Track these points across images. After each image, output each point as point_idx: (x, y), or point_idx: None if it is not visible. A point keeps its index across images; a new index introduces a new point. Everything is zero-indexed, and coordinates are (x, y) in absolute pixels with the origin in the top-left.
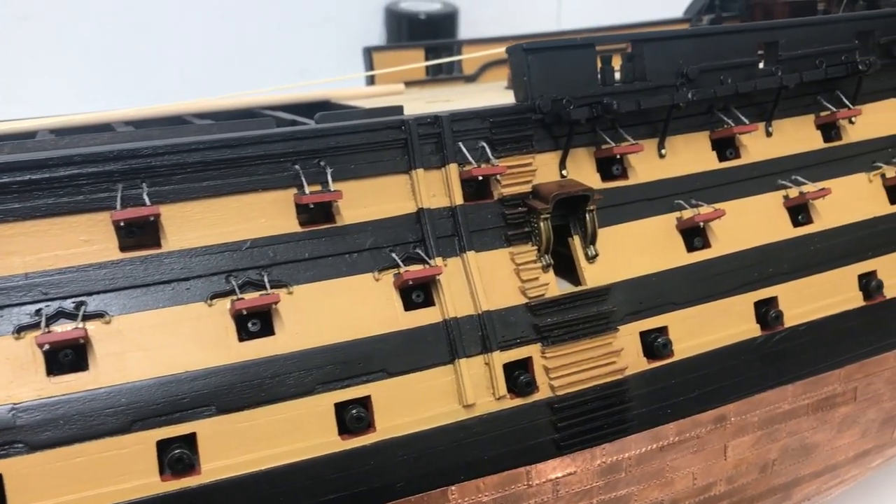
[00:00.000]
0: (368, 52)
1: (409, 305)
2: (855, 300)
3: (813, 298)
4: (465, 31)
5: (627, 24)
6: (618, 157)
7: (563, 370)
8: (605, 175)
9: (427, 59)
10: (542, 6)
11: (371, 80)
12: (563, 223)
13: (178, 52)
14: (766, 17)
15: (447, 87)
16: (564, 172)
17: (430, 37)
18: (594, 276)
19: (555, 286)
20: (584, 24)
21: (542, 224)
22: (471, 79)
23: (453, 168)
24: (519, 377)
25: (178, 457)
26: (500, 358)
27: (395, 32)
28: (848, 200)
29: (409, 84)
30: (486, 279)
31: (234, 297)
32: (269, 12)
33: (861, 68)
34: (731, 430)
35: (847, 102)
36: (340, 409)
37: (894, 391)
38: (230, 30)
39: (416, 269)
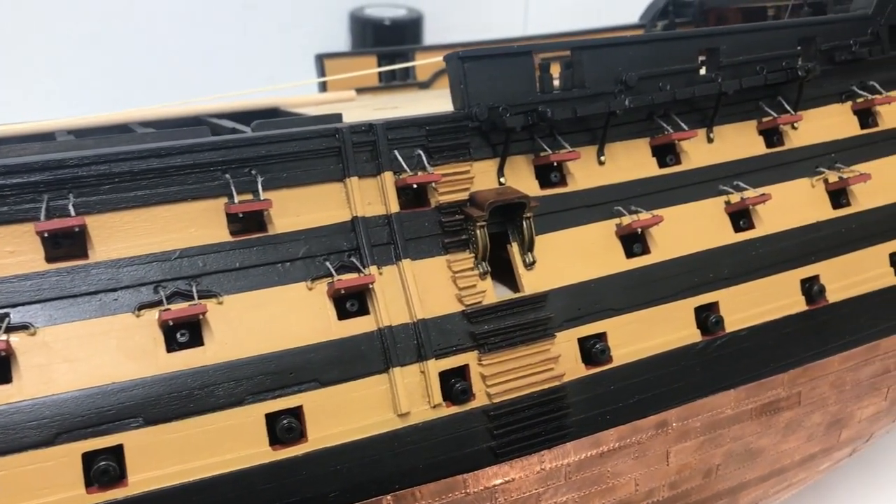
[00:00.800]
0: (320, 60)
1: (343, 314)
2: (797, 305)
3: (755, 303)
4: (430, 36)
5: (582, 30)
6: (555, 164)
7: (499, 377)
8: (544, 182)
9: (380, 65)
10: (508, 12)
11: (324, 87)
12: (502, 230)
13: (142, 59)
14: (719, 23)
15: (400, 94)
16: (502, 180)
17: (396, 42)
18: (532, 282)
19: (492, 293)
20: (550, 29)
21: (478, 231)
22: (424, 85)
23: (388, 176)
24: (455, 385)
25: (104, 469)
26: (436, 366)
27: (361, 38)
28: (790, 205)
29: (361, 91)
30: (423, 287)
31: (162, 308)
32: (235, 19)
33: (801, 74)
34: (673, 435)
35: (789, 108)
36: (272, 419)
37: (840, 395)
38: (197, 36)
39: (348, 278)
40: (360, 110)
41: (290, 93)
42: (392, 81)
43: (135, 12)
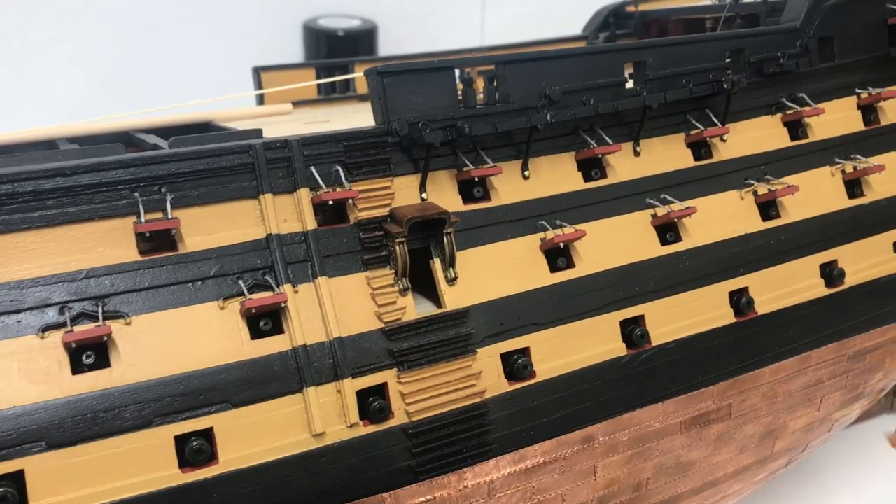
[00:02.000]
0: (257, 72)
1: (257, 334)
2: (726, 317)
3: (682, 316)
4: (384, 47)
5: (524, 42)
6: (476, 179)
7: (419, 395)
8: (467, 197)
9: (318, 78)
10: (464, 22)
11: (261, 100)
12: (425, 245)
13: (91, 71)
14: (661, 34)
15: (338, 107)
16: (424, 195)
17: (349, 53)
18: (454, 298)
19: (413, 310)
20: (507, 39)
21: (397, 248)
22: (364, 98)
23: (304, 193)
24: (372, 404)
25: (2, 495)
26: (353, 385)
27: (314, 49)
28: (719, 218)
29: (300, 104)
30: (341, 305)
31: (66, 330)
32: (187, 30)
33: (726, 87)
34: (601, 449)
35: (716, 121)
36: (181, 441)
37: (771, 406)
38: (147, 47)
39: (260, 297)
40: (292, 124)
41: (229, 105)
42: (332, 94)
43: (83, 23)
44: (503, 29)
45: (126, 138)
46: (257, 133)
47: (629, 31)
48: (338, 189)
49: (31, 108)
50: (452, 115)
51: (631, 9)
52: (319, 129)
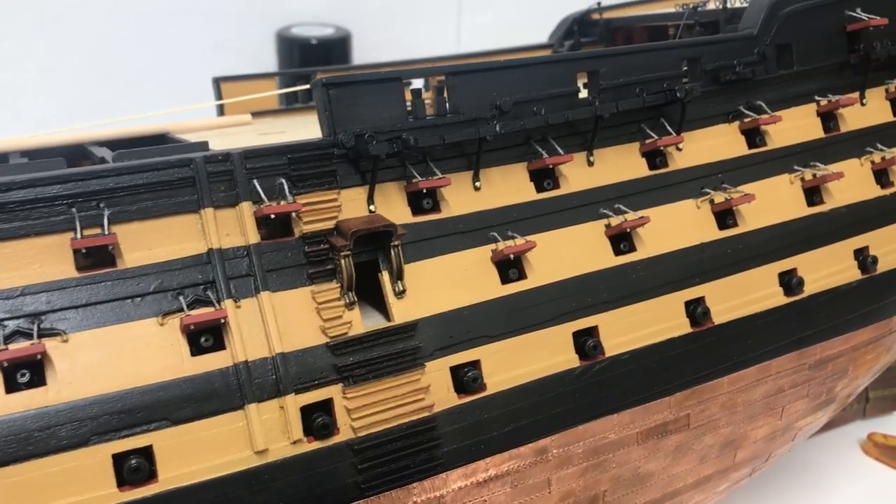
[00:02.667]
0: (217, 83)
1: (198, 350)
2: (682, 327)
3: (636, 327)
4: (359, 55)
5: (488, 51)
6: (424, 191)
7: (365, 410)
8: (416, 209)
9: (281, 88)
10: (440, 29)
11: (222, 111)
12: (373, 258)
13: (64, 80)
14: (626, 42)
15: (298, 117)
16: (372, 207)
17: (323, 62)
18: (403, 311)
19: (359, 324)
20: (484, 45)
21: (342, 261)
22: None
23: (246, 206)
24: (316, 420)
25: None
26: (296, 401)
27: (288, 58)
28: (674, 227)
29: (262, 114)
30: (284, 320)
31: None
32: (160, 40)
33: (679, 96)
34: (554, 462)
35: (670, 129)
36: (119, 460)
37: (731, 416)
38: (120, 57)
39: (199, 313)
40: (246, 135)
41: (191, 116)
42: (294, 104)
43: (55, 33)
44: (479, 35)
45: (81, 151)
46: (203, 146)
47: (594, 39)
48: (281, 202)
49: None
50: (400, 127)
51: (596, 16)
52: (274, 140)
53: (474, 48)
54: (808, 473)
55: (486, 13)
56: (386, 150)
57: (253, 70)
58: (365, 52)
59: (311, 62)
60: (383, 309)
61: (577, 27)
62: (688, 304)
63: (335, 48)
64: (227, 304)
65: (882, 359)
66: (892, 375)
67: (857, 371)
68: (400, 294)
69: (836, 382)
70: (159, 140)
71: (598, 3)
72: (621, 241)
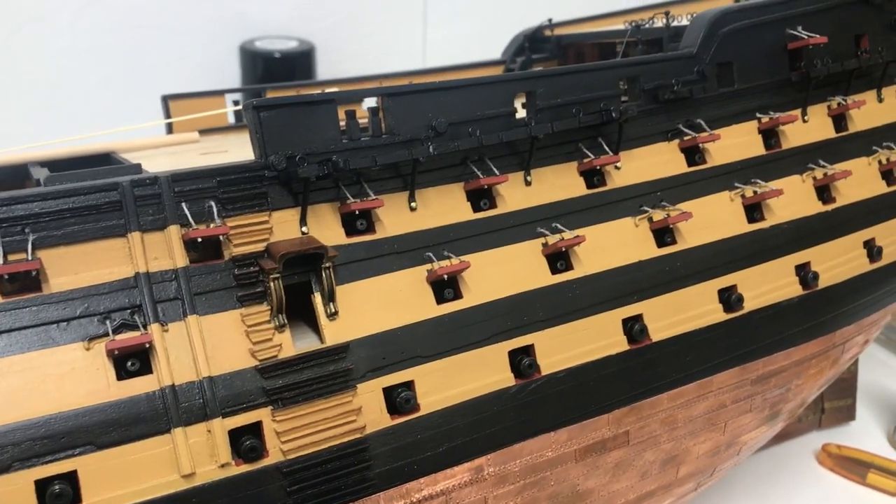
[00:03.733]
0: (165, 101)
1: (124, 374)
2: (619, 344)
3: (573, 345)
4: (323, 68)
5: (442, 67)
6: (357, 212)
7: (294, 433)
8: (351, 230)
9: (231, 105)
10: (406, 42)
11: (171, 129)
12: (306, 280)
13: (22, 95)
14: (578, 59)
15: (245, 135)
16: (305, 229)
17: (286, 76)
18: (335, 333)
19: (290, 347)
20: (450, 60)
21: (272, 284)
22: None
23: (174, 230)
24: (244, 443)
25: None
26: (224, 424)
27: (251, 72)
28: (612, 245)
29: (210, 132)
30: (213, 343)
31: None
32: (122, 53)
33: (615, 116)
34: (491, 481)
35: (607, 149)
36: (42, 486)
37: (672, 432)
38: (82, 70)
39: (124, 338)
40: (187, 155)
41: (142, 134)
42: (243, 122)
43: (16, 47)
44: (446, 49)
45: (24, 171)
46: (135, 169)
47: (546, 56)
48: (211, 225)
49: None
50: (334, 149)
51: (548, 33)
52: (216, 159)
53: (440, 62)
54: (763, 484)
55: (451, 27)
56: (316, 173)
57: (216, 84)
58: (330, 66)
59: (275, 75)
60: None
61: (528, 44)
62: (625, 321)
63: (299, 62)
64: (154, 328)
65: (827, 372)
66: (847, 386)
67: (801, 385)
68: (332, 316)
69: (781, 397)
70: (104, 160)
71: (549, 21)
72: (558, 259)
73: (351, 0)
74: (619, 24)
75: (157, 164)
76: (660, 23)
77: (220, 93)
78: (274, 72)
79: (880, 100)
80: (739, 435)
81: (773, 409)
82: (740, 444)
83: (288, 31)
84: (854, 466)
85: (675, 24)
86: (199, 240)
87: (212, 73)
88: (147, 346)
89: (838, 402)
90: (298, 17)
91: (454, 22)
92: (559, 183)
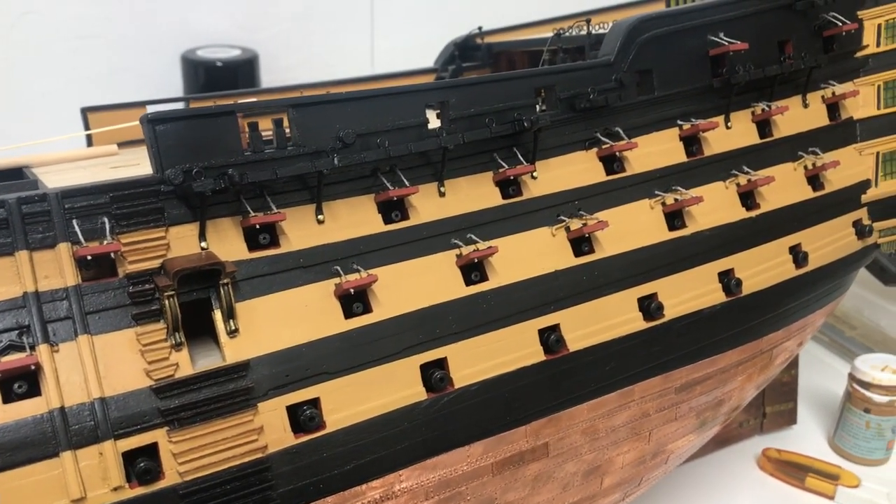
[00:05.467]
0: (84, 113)
1: (11, 397)
2: (535, 355)
3: (487, 357)
4: (269, 76)
5: (371, 76)
6: (257, 226)
7: (192, 454)
8: (253, 244)
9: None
10: (354, 50)
11: (91, 141)
12: (206, 297)
13: None
14: (510, 67)
15: None
16: (204, 244)
17: (229, 85)
18: (236, 351)
19: (187, 366)
20: (399, 67)
21: (167, 302)
22: None
23: (64, 248)
24: (138, 465)
25: None
26: (117, 446)
27: (193, 81)
28: (528, 255)
29: (130, 144)
30: (106, 363)
31: None
32: (62, 62)
33: (526, 125)
34: (403, 498)
35: (522, 159)
36: None
37: (594, 442)
38: (19, 79)
39: (8, 360)
40: (97, 168)
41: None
42: None
43: None
44: (394, 56)
45: None
46: (31, 185)
47: (478, 64)
48: (103, 242)
49: None
50: (234, 161)
51: (479, 41)
52: (126, 172)
53: (390, 69)
54: (704, 490)
55: (399, 34)
56: (212, 187)
57: (158, 94)
58: (274, 74)
59: (217, 84)
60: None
61: (459, 52)
62: (542, 331)
63: (241, 70)
64: (43, 348)
65: (756, 378)
66: (788, 390)
67: (730, 392)
68: (233, 333)
69: (708, 404)
70: (16, 174)
71: (480, 29)
72: (473, 271)
73: (296, 8)
74: (548, 32)
75: (67, 178)
76: (582, 31)
77: (142, 104)
78: (216, 80)
79: (805, 105)
80: (665, 444)
81: (700, 416)
82: (667, 452)
83: (232, 40)
84: (793, 470)
85: (596, 31)
86: (90, 257)
87: (154, 82)
88: (33, 367)
89: (779, 406)
90: (243, 26)
91: (402, 29)
92: (474, 193)
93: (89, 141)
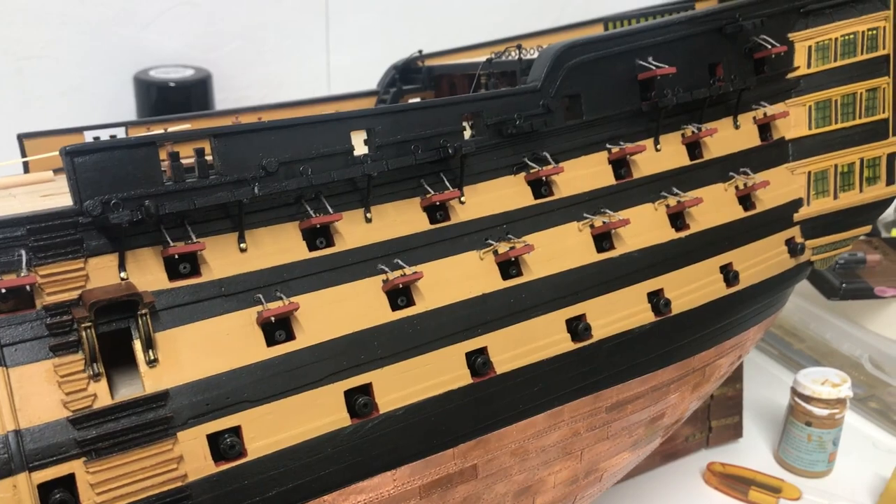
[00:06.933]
0: (20, 140)
1: None
2: (462, 378)
3: (412, 381)
4: (223, 95)
5: (315, 98)
6: (176, 256)
7: (110, 483)
8: (174, 274)
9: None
10: (309, 68)
11: (27, 168)
12: (126, 327)
13: None
14: (451, 90)
15: None
16: (123, 275)
17: (182, 105)
18: (155, 381)
19: (106, 396)
20: (355, 86)
21: (84, 333)
22: None
23: None
24: (54, 496)
25: None
26: (33, 478)
27: (146, 102)
28: (455, 279)
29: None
30: (22, 395)
31: None
32: (11, 82)
33: (451, 152)
34: None
35: (448, 184)
36: None
37: (523, 463)
38: None
39: None
40: (27, 197)
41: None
42: None
43: None
44: (350, 74)
45: None
46: None
47: (419, 87)
48: (20, 274)
49: None
50: (154, 192)
51: (420, 64)
52: (56, 201)
53: (346, 89)
54: (648, 502)
55: (355, 53)
56: (128, 218)
57: (111, 115)
58: (228, 93)
59: (170, 105)
60: None
61: (399, 75)
62: (469, 354)
63: (194, 90)
64: None
65: (689, 396)
66: (734, 404)
67: (661, 410)
68: (152, 363)
69: (640, 422)
70: None
71: (420, 52)
72: (399, 296)
73: (250, 27)
74: (487, 56)
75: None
76: (515, 55)
77: (79, 130)
78: (169, 101)
79: (737, 126)
80: (598, 462)
81: (633, 434)
82: (601, 470)
83: (186, 60)
84: (737, 484)
85: (528, 56)
86: (4, 290)
87: (107, 103)
88: None
89: (725, 420)
90: (197, 46)
91: (358, 47)
92: (401, 219)
93: (26, 167)
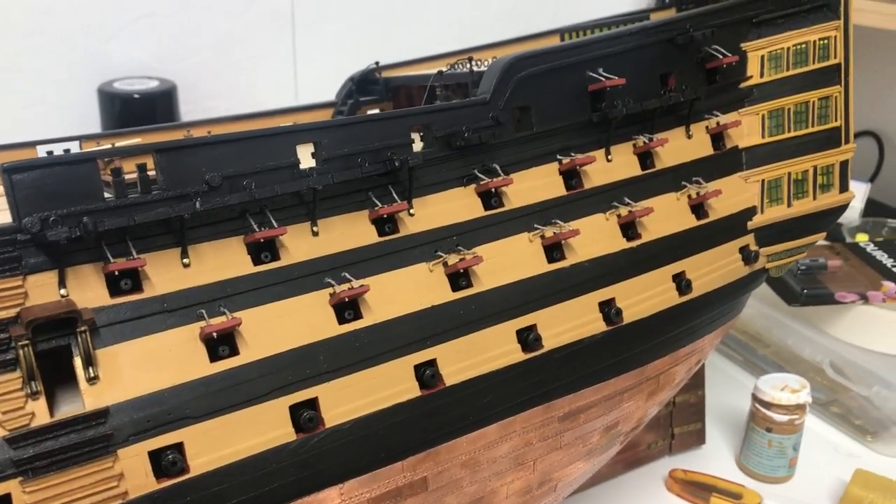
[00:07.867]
0: None
1: None
2: (411, 391)
3: (359, 395)
4: (188, 106)
5: (275, 110)
6: (116, 273)
7: (47, 503)
8: (115, 290)
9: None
10: (277, 78)
11: None
12: (66, 344)
13: None
14: (408, 101)
15: None
16: (63, 292)
17: (146, 117)
18: (95, 398)
19: (45, 415)
20: (323, 96)
21: (21, 351)
22: None
23: None
24: None
25: None
26: None
27: (111, 114)
28: (404, 292)
29: None
30: None
31: None
32: None
33: (397, 165)
34: None
35: (396, 197)
36: None
37: (475, 474)
38: None
39: None
40: None
41: None
42: None
43: None
44: (317, 85)
45: None
46: None
47: (376, 98)
48: None
49: None
50: (95, 208)
51: (378, 75)
52: (5, 216)
53: (314, 99)
54: None
55: (322, 63)
56: (66, 235)
57: (77, 128)
58: (194, 104)
59: (135, 116)
60: None
61: (357, 87)
62: (417, 367)
63: (160, 102)
64: None
65: (644, 405)
66: (696, 411)
67: (615, 419)
68: (92, 380)
69: (594, 431)
70: None
71: (377, 63)
72: (346, 309)
73: (216, 38)
74: (442, 67)
75: None
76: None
77: (32, 144)
78: (133, 113)
79: (689, 136)
80: (551, 472)
81: (586, 444)
82: (554, 480)
83: (151, 71)
84: (698, 490)
85: (479, 69)
86: None
87: (71, 115)
88: None
89: (687, 426)
90: (163, 57)
91: (325, 58)
92: (349, 232)
93: None
